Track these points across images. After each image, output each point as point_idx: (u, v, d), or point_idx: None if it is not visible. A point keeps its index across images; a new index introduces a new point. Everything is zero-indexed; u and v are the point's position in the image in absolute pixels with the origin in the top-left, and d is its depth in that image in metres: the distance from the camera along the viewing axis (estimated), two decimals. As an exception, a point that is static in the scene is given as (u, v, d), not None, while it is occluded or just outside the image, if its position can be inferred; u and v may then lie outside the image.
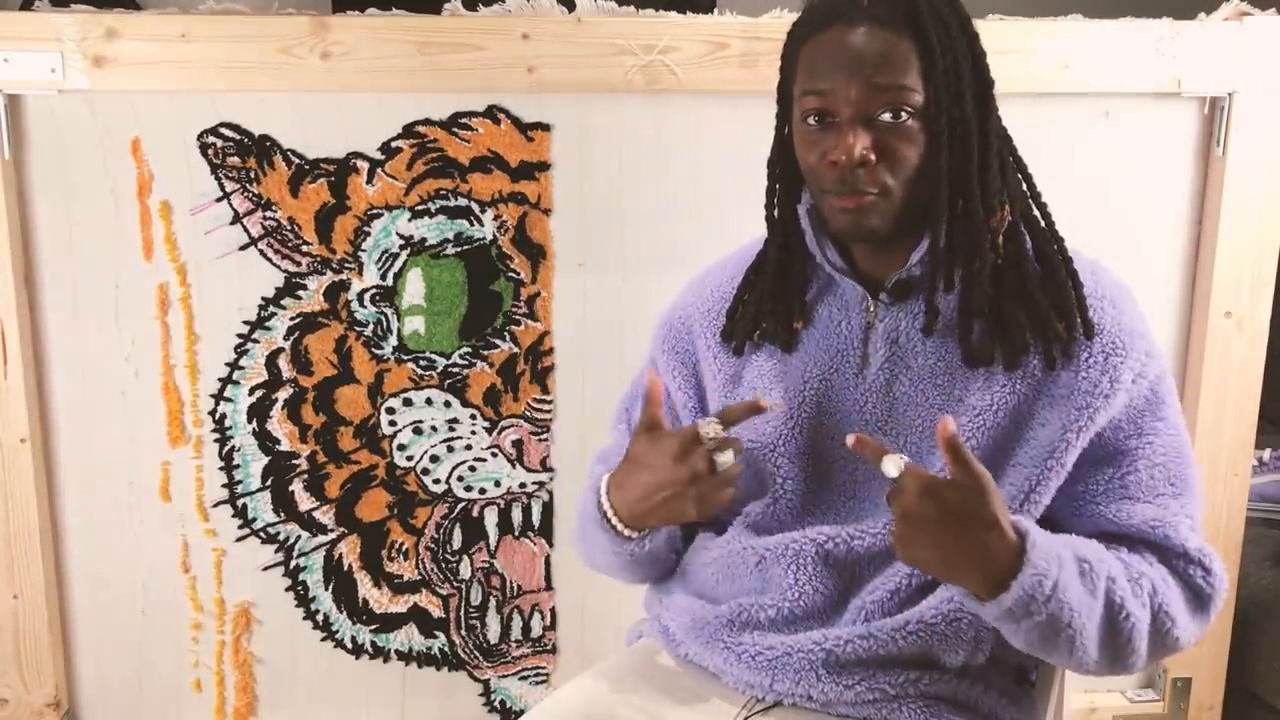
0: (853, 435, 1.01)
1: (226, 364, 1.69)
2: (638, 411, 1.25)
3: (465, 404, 1.72)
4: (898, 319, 1.10)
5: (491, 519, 1.76)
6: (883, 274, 1.10)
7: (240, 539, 1.74)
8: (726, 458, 1.05)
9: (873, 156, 1.01)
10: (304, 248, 1.66)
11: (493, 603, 1.79)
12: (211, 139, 1.62)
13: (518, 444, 1.74)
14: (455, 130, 1.64)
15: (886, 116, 1.01)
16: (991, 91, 1.05)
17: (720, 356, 1.19)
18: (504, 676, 1.82)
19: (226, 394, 1.70)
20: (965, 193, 1.04)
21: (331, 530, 1.75)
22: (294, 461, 1.72)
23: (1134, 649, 1.01)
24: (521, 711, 1.81)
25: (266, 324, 1.68)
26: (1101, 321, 1.07)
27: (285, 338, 1.68)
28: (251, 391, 1.70)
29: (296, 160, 1.63)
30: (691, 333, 1.22)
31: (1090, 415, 1.05)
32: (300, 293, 1.67)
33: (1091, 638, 0.99)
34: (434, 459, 1.73)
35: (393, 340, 1.69)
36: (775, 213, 1.15)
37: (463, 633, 1.80)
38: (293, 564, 1.75)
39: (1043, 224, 1.10)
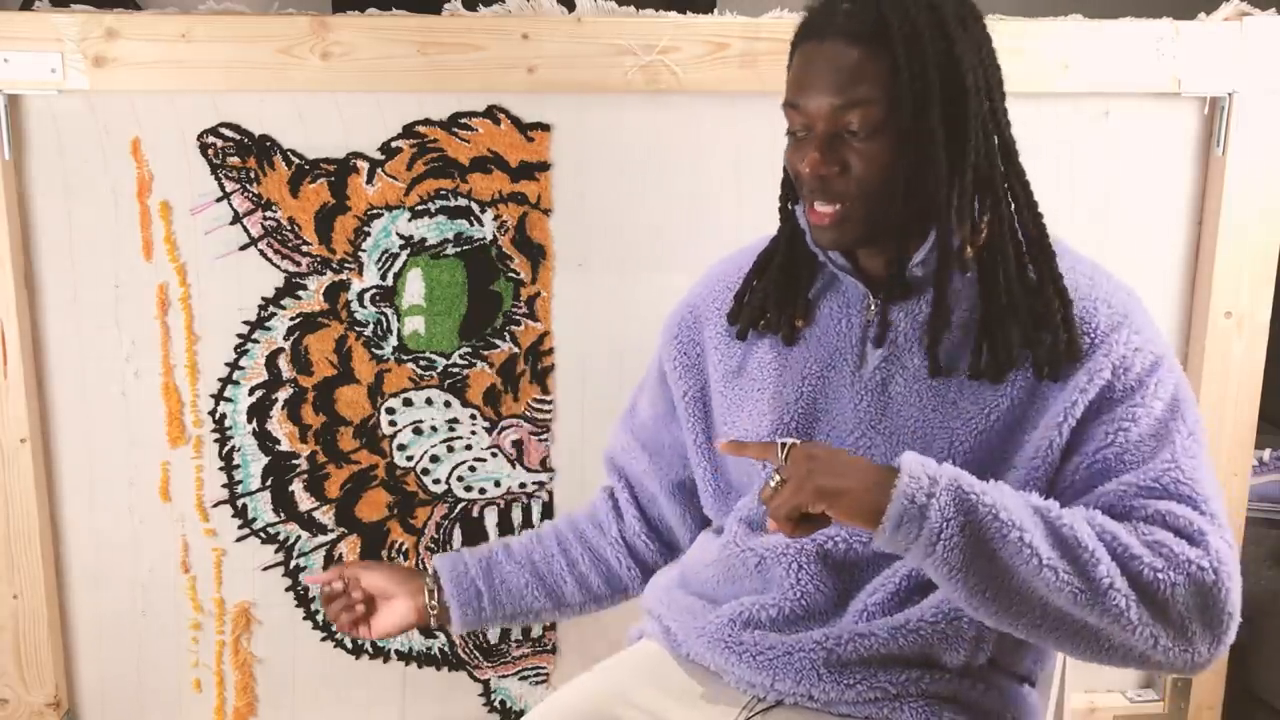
0: (723, 442, 1.09)
1: (226, 364, 1.69)
2: (643, 399, 1.32)
3: (465, 404, 1.72)
4: (897, 319, 1.10)
5: (491, 519, 1.76)
6: (885, 273, 1.10)
7: (240, 539, 1.74)
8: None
9: (824, 170, 1.02)
10: (304, 248, 1.66)
11: (493, 603, 1.79)
12: (211, 139, 1.62)
13: (518, 444, 1.74)
14: (455, 130, 1.64)
15: (853, 129, 1.01)
16: (972, 101, 1.01)
17: (724, 345, 1.20)
18: (504, 676, 1.82)
19: (226, 394, 1.70)
20: (931, 206, 1.03)
21: (331, 530, 1.75)
22: (294, 461, 1.72)
23: (1105, 576, 0.93)
24: (521, 711, 1.81)
25: (266, 324, 1.68)
26: (1095, 321, 1.05)
27: (285, 338, 1.68)
28: (251, 391, 1.70)
29: (296, 160, 1.63)
30: (700, 323, 1.23)
31: (1071, 411, 1.03)
32: (300, 293, 1.67)
33: (1040, 548, 0.92)
34: (434, 459, 1.73)
35: (393, 340, 1.69)
36: (789, 204, 1.15)
37: (462, 633, 1.79)
38: (293, 564, 1.75)
39: (1035, 235, 1.06)
